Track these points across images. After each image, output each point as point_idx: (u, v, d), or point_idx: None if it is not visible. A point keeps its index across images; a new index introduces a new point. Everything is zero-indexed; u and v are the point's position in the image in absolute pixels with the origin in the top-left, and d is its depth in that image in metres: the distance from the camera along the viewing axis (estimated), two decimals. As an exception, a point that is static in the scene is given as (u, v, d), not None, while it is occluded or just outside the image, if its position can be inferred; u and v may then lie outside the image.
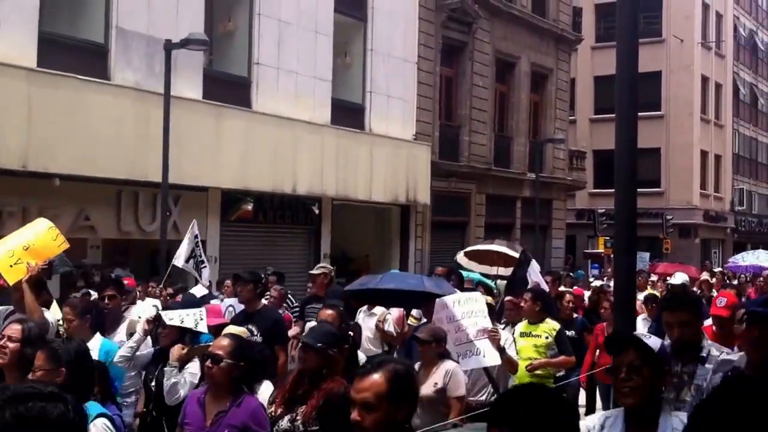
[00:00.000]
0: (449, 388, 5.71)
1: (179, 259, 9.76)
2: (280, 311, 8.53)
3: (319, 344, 4.44)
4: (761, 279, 17.55)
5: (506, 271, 13.24)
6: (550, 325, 7.43)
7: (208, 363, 4.32)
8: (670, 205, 33.35)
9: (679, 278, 9.90)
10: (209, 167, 13.86)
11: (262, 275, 10.76)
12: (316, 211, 16.27)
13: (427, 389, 5.61)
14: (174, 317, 5.81)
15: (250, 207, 14.68)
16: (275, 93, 15.42)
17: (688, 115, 34.86)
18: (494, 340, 6.13)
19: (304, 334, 6.10)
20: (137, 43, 13.08)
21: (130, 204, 13.17)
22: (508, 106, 23.20)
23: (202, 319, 5.85)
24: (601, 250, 28.27)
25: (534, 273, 9.20)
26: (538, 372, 7.14)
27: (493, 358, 6.10)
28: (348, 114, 17.29)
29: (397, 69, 18.45)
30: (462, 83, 21.13)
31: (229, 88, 14.83)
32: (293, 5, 15.85)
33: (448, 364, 5.84)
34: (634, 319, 4.75)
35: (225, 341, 4.26)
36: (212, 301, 8.74)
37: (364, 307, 9.00)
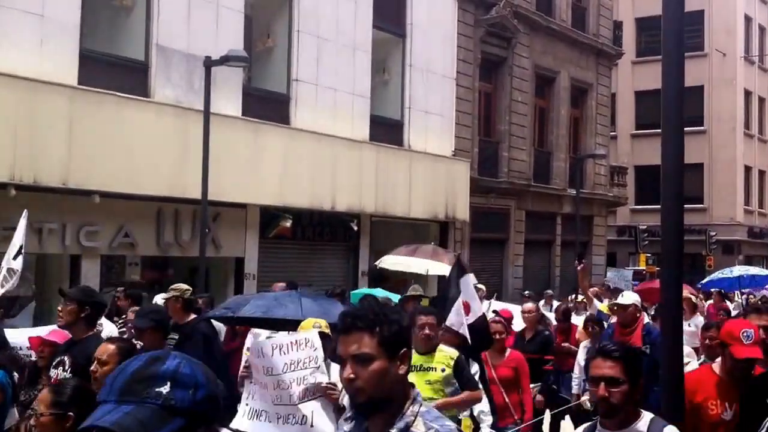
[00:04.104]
0: None
1: (8, 259, 8.01)
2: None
3: None
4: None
5: (437, 266, 12.15)
6: (446, 353, 5.74)
7: None
8: (713, 222, 32.66)
9: (629, 297, 8.07)
10: (248, 184, 13.82)
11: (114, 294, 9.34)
12: (355, 228, 16.16)
13: None
14: None
15: (288, 224, 14.59)
16: (314, 109, 15.37)
17: (731, 130, 34.18)
18: (332, 399, 4.56)
19: None
20: (177, 61, 13.13)
21: (170, 221, 13.16)
22: (547, 121, 22.93)
23: None
24: (642, 267, 27.72)
25: (470, 293, 6.97)
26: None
27: (325, 427, 4.48)
28: (387, 130, 17.19)
29: (436, 85, 18.32)
30: (501, 98, 20.93)
31: (268, 105, 14.83)
32: (332, 22, 15.83)
33: None
34: (681, 339, 4.45)
35: None
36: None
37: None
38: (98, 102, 11.80)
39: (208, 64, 12.00)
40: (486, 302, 11.05)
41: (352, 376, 2.28)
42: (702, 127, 33.33)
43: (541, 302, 14.78)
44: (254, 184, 13.93)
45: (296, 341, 4.66)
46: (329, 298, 7.83)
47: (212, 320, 7.42)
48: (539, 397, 8.24)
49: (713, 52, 33.95)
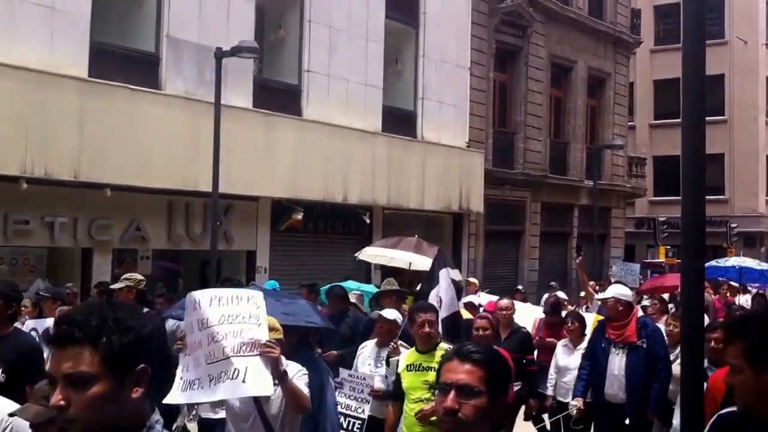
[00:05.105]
0: None
1: None
2: None
3: None
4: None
5: (420, 260, 11.49)
6: None
7: None
8: (734, 213, 32.15)
9: (609, 291, 7.33)
10: (260, 176, 13.71)
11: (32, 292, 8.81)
12: (367, 221, 16.01)
13: None
14: None
15: (300, 216, 14.46)
16: (326, 101, 15.22)
17: (752, 119, 33.61)
18: (269, 358, 4.08)
19: None
20: (188, 52, 13.03)
21: (181, 214, 13.10)
22: (564, 111, 22.62)
23: None
24: (662, 259, 27.36)
25: (443, 288, 6.77)
26: (434, 418, 5.05)
27: (260, 386, 3.99)
28: (399, 121, 17.00)
29: (450, 75, 18.10)
30: (516, 89, 20.66)
31: (279, 96, 14.69)
32: (344, 12, 15.64)
33: None
34: (702, 336, 4.26)
35: None
36: None
37: None
38: (109, 94, 11.72)
39: (219, 55, 11.85)
40: (475, 295, 10.69)
41: (62, 403, 1.75)
42: (723, 116, 32.82)
43: (545, 296, 14.39)
44: (266, 176, 13.82)
45: (237, 296, 4.23)
46: (293, 295, 7.17)
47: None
48: (532, 402, 7.80)
49: (734, 39, 33.36)
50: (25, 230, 11.28)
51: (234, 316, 4.07)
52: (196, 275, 13.74)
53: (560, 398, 7.98)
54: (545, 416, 8.51)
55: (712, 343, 5.46)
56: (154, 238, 12.78)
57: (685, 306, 4.45)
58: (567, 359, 7.99)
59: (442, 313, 6.48)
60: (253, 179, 13.58)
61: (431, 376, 5.28)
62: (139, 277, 6.85)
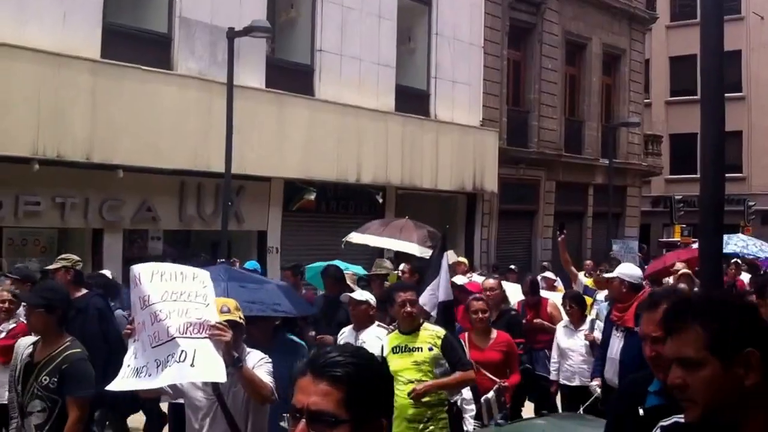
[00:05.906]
0: None
1: None
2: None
3: None
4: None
5: (404, 246, 11.17)
6: (432, 332, 5.34)
7: None
8: (752, 191, 31.85)
9: (617, 270, 6.97)
10: (272, 157, 13.69)
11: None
12: (380, 201, 15.95)
13: None
14: None
15: (312, 197, 14.45)
16: (338, 80, 15.14)
17: (771, 96, 33.20)
18: (220, 341, 3.66)
19: None
20: (200, 32, 12.98)
21: (193, 194, 13.11)
22: (579, 89, 22.40)
23: None
24: (677, 238, 27.14)
25: (443, 279, 6.46)
26: (427, 398, 5.12)
27: (210, 371, 3.59)
28: (413, 100, 16.89)
29: (463, 53, 17.93)
30: (530, 66, 20.46)
31: (292, 76, 14.62)
32: (356, -11, 15.50)
33: None
34: None
35: None
36: None
37: None
38: (121, 75, 11.72)
39: (231, 35, 11.81)
40: (464, 276, 10.55)
41: None
42: (740, 93, 32.42)
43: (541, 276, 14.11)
44: (278, 156, 13.79)
45: (182, 272, 3.87)
46: (262, 278, 6.65)
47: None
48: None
49: (750, 15, 32.88)
50: (36, 211, 11.31)
51: (179, 294, 3.71)
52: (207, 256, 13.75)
53: (565, 381, 7.76)
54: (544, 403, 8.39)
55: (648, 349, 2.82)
56: (165, 219, 12.80)
57: (704, 285, 4.40)
58: (568, 341, 7.76)
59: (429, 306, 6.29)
60: (265, 159, 13.56)
61: (418, 356, 5.21)
62: (76, 257, 6.57)
